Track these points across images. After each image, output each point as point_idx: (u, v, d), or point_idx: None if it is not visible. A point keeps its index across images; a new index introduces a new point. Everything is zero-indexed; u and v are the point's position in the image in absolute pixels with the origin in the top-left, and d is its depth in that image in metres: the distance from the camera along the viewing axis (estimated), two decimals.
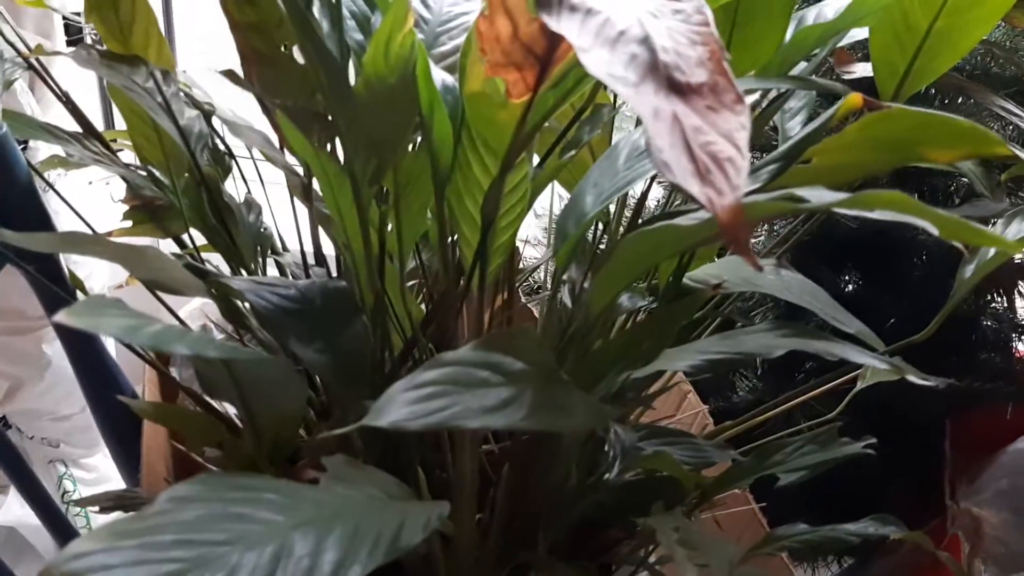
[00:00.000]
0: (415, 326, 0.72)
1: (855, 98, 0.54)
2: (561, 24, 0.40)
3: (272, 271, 0.92)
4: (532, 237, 1.81)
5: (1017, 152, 0.50)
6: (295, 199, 0.82)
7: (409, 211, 0.64)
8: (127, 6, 0.81)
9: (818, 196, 0.51)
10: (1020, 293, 1.22)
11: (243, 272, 0.82)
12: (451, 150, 0.59)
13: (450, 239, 0.66)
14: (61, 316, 0.43)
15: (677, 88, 0.39)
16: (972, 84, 0.94)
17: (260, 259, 0.87)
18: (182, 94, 0.79)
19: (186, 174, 0.82)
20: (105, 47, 0.81)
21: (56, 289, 0.80)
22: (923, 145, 0.54)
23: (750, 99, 0.60)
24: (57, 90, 0.88)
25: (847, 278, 1.22)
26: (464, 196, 0.63)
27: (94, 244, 0.66)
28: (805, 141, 0.57)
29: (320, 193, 0.68)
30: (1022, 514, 1.29)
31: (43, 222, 0.84)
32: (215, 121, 0.87)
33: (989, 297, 1.22)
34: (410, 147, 0.64)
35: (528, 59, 0.50)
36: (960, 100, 1.01)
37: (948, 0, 0.72)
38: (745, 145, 0.37)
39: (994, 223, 0.79)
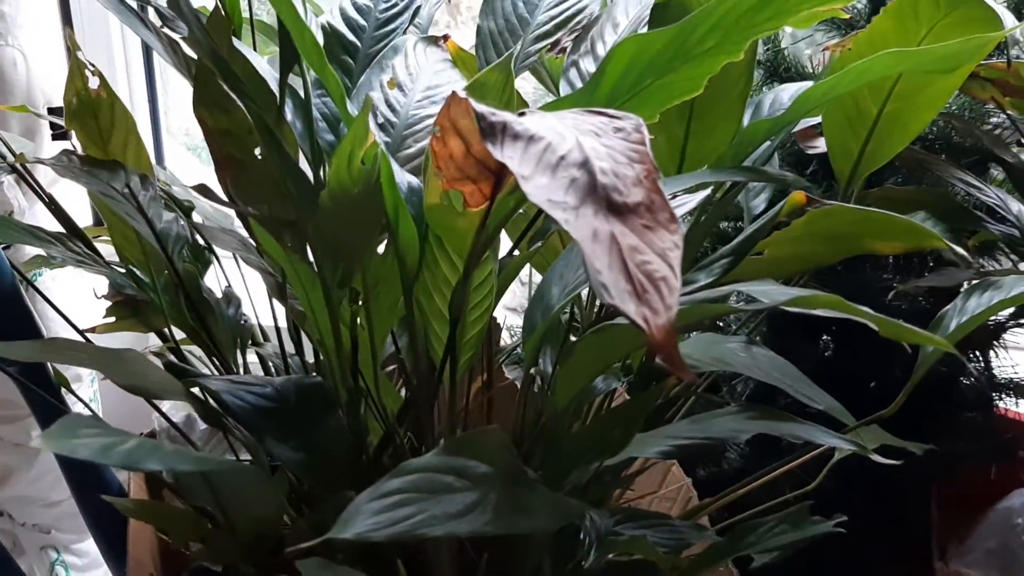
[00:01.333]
0: (391, 420, 0.73)
1: (798, 196, 0.57)
2: (504, 152, 0.42)
3: (254, 358, 0.94)
4: (519, 305, 1.83)
5: (953, 247, 0.52)
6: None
7: (379, 310, 0.66)
8: (106, 113, 0.83)
9: (765, 293, 0.53)
10: (996, 352, 1.23)
11: (222, 366, 0.83)
12: (417, 252, 0.61)
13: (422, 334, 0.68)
14: (37, 442, 0.45)
15: (615, 208, 0.42)
16: (931, 157, 0.96)
17: (240, 351, 0.89)
18: (161, 194, 0.82)
19: (165, 271, 0.83)
20: (85, 152, 0.84)
21: (38, 390, 0.82)
22: (865, 239, 0.57)
23: (704, 193, 0.62)
24: (41, 192, 0.90)
25: (825, 344, 1.24)
26: (433, 293, 0.65)
27: (75, 351, 0.67)
28: (754, 236, 0.59)
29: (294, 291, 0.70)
30: (1011, 573, 1.29)
31: (26, 323, 0.86)
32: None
33: (967, 356, 1.23)
34: (380, 247, 0.66)
35: (483, 173, 0.52)
36: (921, 174, 1.03)
37: (895, 86, 0.75)
38: (678, 264, 0.39)
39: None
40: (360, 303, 0.65)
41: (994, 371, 1.25)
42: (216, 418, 0.68)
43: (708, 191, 0.62)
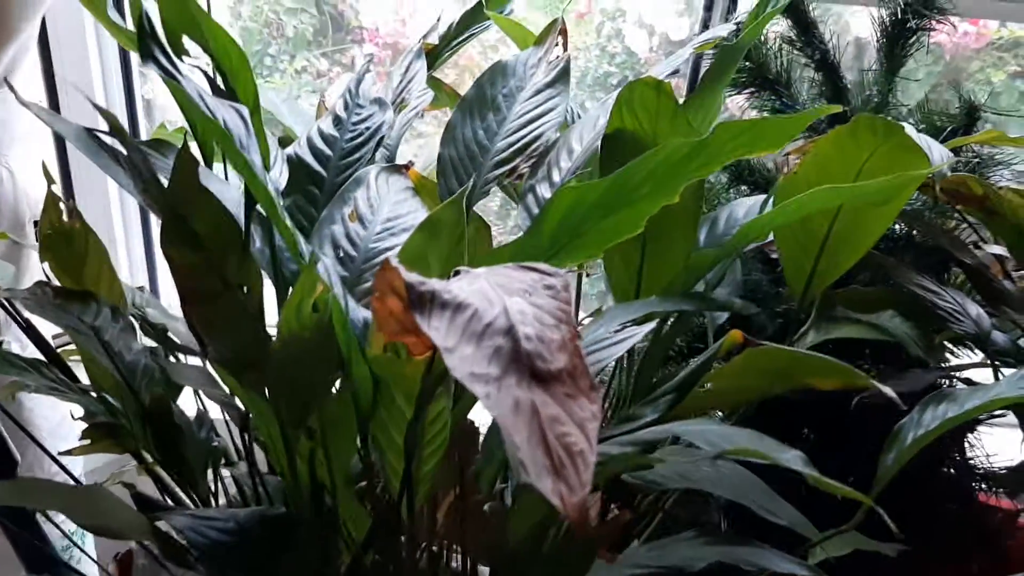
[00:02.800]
0: (355, 546, 0.74)
1: (735, 335, 0.58)
2: (431, 324, 0.44)
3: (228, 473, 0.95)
4: None
5: (882, 388, 0.53)
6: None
7: (336, 445, 0.67)
8: (80, 242, 0.86)
9: (701, 435, 0.54)
10: (970, 443, 1.24)
11: (192, 491, 0.84)
12: (371, 390, 0.63)
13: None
14: None
15: (539, 376, 0.43)
16: (891, 263, 0.98)
17: (213, 471, 0.90)
18: (133, 319, 0.84)
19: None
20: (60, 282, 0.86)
21: (16, 528, 0.82)
22: (802, 376, 0.58)
23: (650, 325, 0.64)
24: (18, 318, 0.92)
25: (804, 440, 1.24)
26: (389, 427, 0.66)
27: (43, 493, 0.69)
28: (696, 372, 0.60)
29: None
30: None
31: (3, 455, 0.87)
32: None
33: (943, 448, 1.23)
34: (336, 384, 0.68)
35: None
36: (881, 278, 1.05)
37: (841, 208, 0.77)
38: (595, 437, 0.41)
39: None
40: (316, 439, 0.67)
41: (971, 461, 1.25)
42: (181, 556, 0.69)
43: (655, 323, 0.64)
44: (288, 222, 0.61)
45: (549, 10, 2.45)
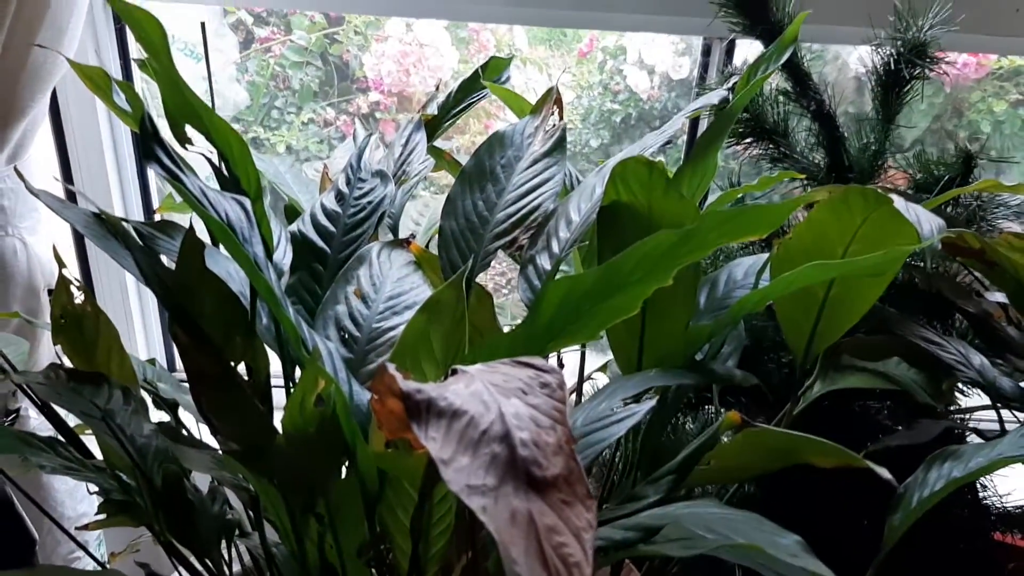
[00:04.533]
0: None
1: (733, 416, 0.59)
2: (428, 434, 0.45)
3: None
4: None
5: (877, 470, 0.54)
6: None
7: (345, 527, 0.68)
8: (91, 324, 0.88)
9: (701, 520, 0.55)
10: (982, 484, 1.23)
11: (205, 561, 0.85)
12: (376, 476, 0.64)
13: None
14: None
15: (535, 484, 0.44)
16: (894, 314, 0.99)
17: (227, 544, 0.91)
18: (145, 394, 0.85)
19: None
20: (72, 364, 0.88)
21: None
22: (802, 455, 0.59)
23: (650, 403, 0.65)
24: (35, 397, 0.94)
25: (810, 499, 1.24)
26: (396, 508, 0.68)
27: None
28: (697, 452, 0.61)
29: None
30: None
31: (17, 530, 0.88)
32: None
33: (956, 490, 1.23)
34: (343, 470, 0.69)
35: None
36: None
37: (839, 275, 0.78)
38: (591, 547, 0.42)
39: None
40: (325, 523, 0.68)
41: (985, 501, 1.25)
42: None
43: (654, 401, 0.65)
44: (290, 313, 0.63)
45: (552, 43, 2.48)
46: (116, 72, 1.47)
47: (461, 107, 1.00)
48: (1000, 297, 1.05)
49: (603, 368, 1.18)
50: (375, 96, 2.29)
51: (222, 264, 0.76)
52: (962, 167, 1.07)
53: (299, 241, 0.86)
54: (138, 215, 1.57)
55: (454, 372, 0.52)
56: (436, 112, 1.01)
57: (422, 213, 1.41)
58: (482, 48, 2.32)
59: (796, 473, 1.15)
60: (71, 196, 1.47)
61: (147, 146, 0.66)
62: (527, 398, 0.49)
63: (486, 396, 0.48)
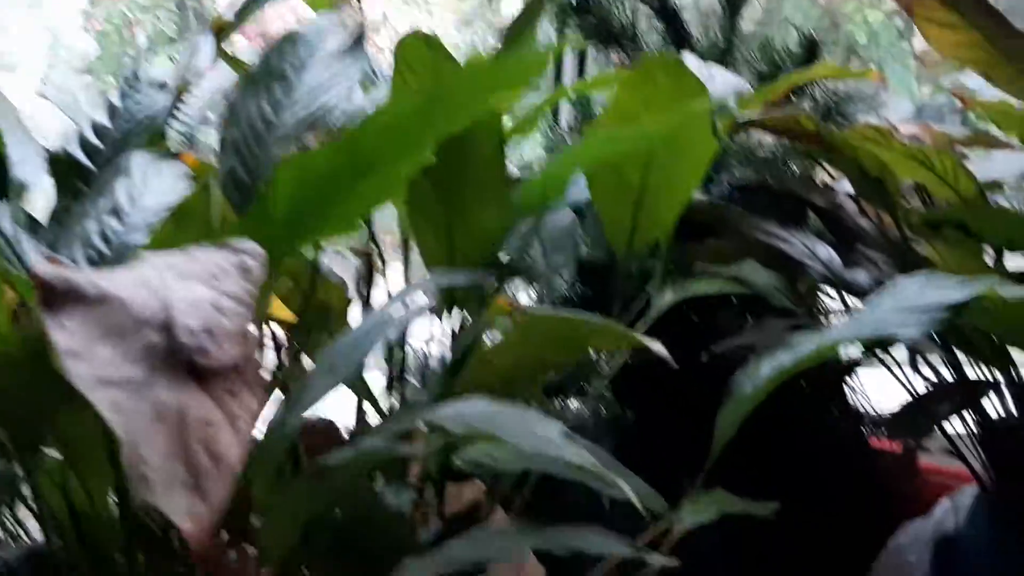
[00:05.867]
0: None
1: (501, 303, 0.52)
2: (61, 323, 0.37)
3: None
4: None
5: (651, 345, 0.48)
6: None
7: (86, 466, 0.60)
8: None
9: (458, 415, 0.48)
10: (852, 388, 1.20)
11: None
12: None
13: None
14: None
15: (198, 374, 0.37)
16: (736, 211, 0.94)
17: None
18: None
19: None
20: None
21: None
22: (582, 341, 0.53)
23: (422, 302, 0.58)
24: None
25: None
26: None
27: None
28: (467, 350, 0.54)
29: None
30: None
31: None
32: None
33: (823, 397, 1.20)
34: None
35: None
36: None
37: (651, 158, 0.72)
38: (247, 436, 0.34)
39: None
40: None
41: (857, 407, 1.22)
42: None
43: (425, 302, 0.58)
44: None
45: None
46: None
47: (254, 3, 0.90)
48: (848, 187, 1.01)
49: None
50: (237, 38, 2.16)
51: None
52: (806, 55, 1.01)
53: (61, 161, 0.76)
54: None
55: None
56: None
57: None
58: None
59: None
60: None
61: None
62: (217, 283, 0.41)
63: (155, 282, 0.40)
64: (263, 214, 0.52)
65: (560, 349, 0.54)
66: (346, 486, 0.54)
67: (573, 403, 1.10)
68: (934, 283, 0.72)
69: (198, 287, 0.41)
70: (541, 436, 0.47)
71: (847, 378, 1.19)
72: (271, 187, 0.52)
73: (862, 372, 1.21)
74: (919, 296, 0.72)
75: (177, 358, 0.37)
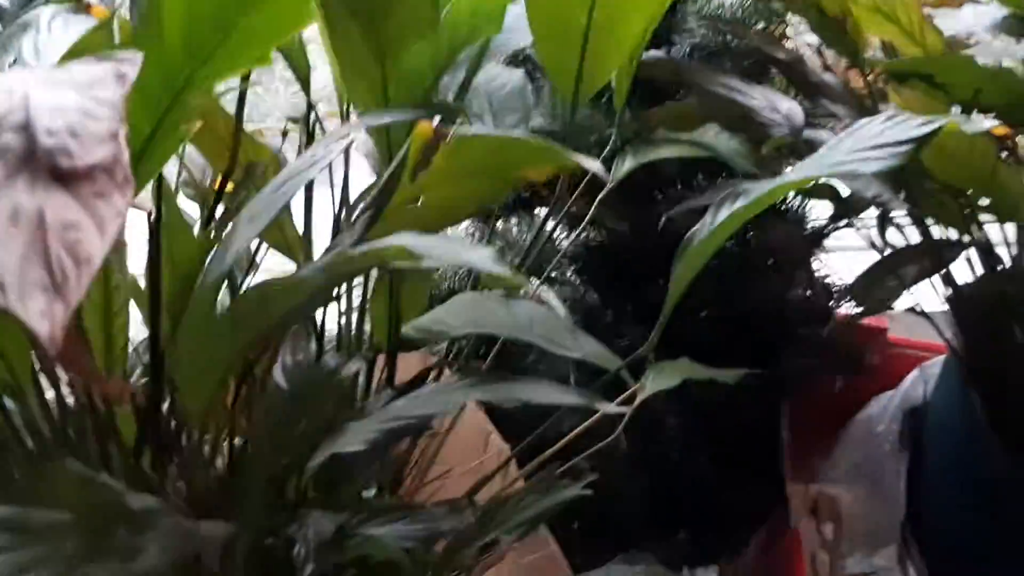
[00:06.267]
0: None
1: (424, 127, 0.48)
2: None
3: None
4: None
5: (584, 163, 0.44)
6: None
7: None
8: None
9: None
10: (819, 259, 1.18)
11: None
12: None
13: None
14: None
15: (61, 176, 0.33)
16: (692, 66, 0.89)
17: None
18: None
19: None
20: None
21: None
22: (513, 168, 0.49)
23: (344, 142, 0.53)
24: None
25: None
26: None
27: None
28: (389, 182, 0.50)
29: None
30: (879, 484, 1.25)
31: None
32: None
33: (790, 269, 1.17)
34: None
35: None
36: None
37: None
38: (112, 238, 0.31)
39: None
40: None
41: (824, 279, 1.19)
42: None
43: (349, 139, 0.53)
44: None
45: None
46: None
47: None
48: (812, 39, 0.96)
49: None
50: None
51: None
52: None
53: None
54: None
55: None
56: None
57: None
58: None
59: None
60: None
61: None
62: (90, 91, 0.37)
63: (16, 88, 0.36)
64: (155, 36, 0.47)
65: (493, 176, 0.51)
66: (273, 330, 0.50)
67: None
68: (896, 121, 0.69)
69: (68, 93, 0.37)
70: (473, 255, 0.43)
71: (815, 252, 1.16)
72: (162, 6, 0.47)
73: (832, 256, 1.18)
74: (881, 135, 0.68)
75: (37, 160, 0.33)
